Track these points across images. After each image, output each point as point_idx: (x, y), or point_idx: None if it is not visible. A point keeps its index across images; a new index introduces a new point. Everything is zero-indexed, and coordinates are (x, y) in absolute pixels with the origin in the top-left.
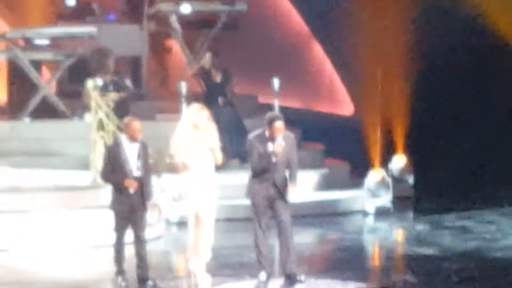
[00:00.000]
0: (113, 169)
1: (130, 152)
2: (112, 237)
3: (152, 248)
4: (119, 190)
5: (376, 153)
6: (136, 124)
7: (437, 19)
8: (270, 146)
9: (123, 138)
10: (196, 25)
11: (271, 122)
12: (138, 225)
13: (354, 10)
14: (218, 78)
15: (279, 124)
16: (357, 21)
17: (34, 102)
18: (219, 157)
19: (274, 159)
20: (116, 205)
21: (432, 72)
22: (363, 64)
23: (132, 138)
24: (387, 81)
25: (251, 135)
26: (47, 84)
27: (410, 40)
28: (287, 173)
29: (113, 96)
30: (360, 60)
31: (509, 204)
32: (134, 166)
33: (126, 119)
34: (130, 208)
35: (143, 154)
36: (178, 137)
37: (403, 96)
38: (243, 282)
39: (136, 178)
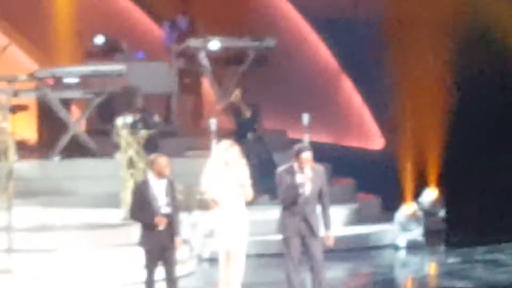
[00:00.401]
0: (142, 206)
1: (158, 189)
2: (143, 274)
3: (184, 285)
4: (148, 227)
5: (407, 186)
6: (162, 160)
7: (470, 49)
8: (299, 178)
9: (150, 175)
10: (225, 61)
11: (298, 153)
12: (168, 262)
13: (384, 42)
14: (247, 114)
15: (307, 155)
16: (387, 53)
17: (63, 140)
18: (249, 193)
19: (301, 190)
20: (145, 243)
21: (465, 103)
22: (394, 96)
23: (159, 174)
24: (418, 113)
25: (279, 169)
26: (77, 122)
27: (443, 71)
28: (318, 208)
29: (143, 133)
30: (390, 92)
31: None
32: (162, 202)
33: (152, 156)
34: (159, 245)
35: (171, 190)
36: (208, 174)
37: (435, 129)
38: None
39: (164, 215)
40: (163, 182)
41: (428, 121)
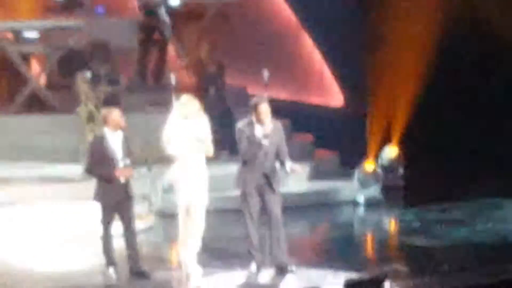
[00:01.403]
0: (99, 161)
1: (115, 143)
2: (100, 229)
3: (143, 239)
4: (105, 181)
5: (367, 144)
6: (115, 113)
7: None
8: (258, 130)
9: (106, 130)
10: (185, 16)
11: (256, 105)
12: (125, 216)
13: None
14: (212, 69)
15: (264, 107)
16: (348, 10)
17: (23, 95)
18: (209, 149)
19: (263, 142)
20: (101, 197)
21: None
22: (355, 54)
23: (114, 127)
24: (384, 72)
25: (239, 123)
26: (36, 77)
27: (422, 36)
28: (277, 164)
29: (104, 88)
30: (354, 50)
31: (500, 195)
32: (120, 156)
33: (105, 110)
34: (117, 199)
35: (128, 142)
36: (168, 128)
37: (401, 90)
38: (234, 273)
39: (125, 167)
40: (119, 136)
41: (395, 81)
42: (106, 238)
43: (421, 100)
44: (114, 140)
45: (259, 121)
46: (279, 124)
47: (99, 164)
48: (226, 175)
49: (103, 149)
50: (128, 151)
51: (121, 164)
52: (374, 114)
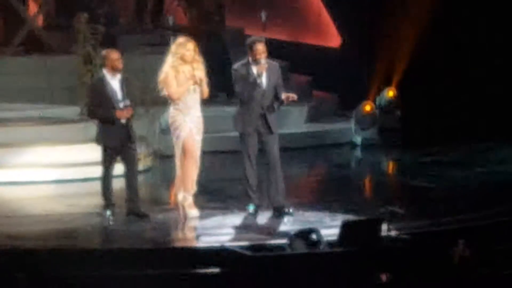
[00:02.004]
0: (100, 103)
1: (114, 84)
2: (100, 170)
3: (140, 181)
4: (107, 123)
5: (365, 85)
6: (114, 54)
7: None
8: (254, 70)
9: (105, 72)
10: None
11: (252, 44)
12: (128, 157)
13: None
14: (210, 10)
15: (260, 46)
16: None
17: (20, 36)
18: (206, 90)
19: (258, 81)
20: (105, 139)
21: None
22: None
23: (113, 69)
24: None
25: (235, 64)
26: (34, 17)
27: None
28: (275, 104)
29: (102, 29)
30: None
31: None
32: (120, 97)
33: (104, 51)
34: (119, 140)
35: (127, 84)
36: (165, 70)
37: (398, 28)
38: (231, 215)
39: (125, 108)
40: (118, 77)
41: (395, 21)
42: (106, 180)
43: (421, 42)
44: (113, 82)
45: (255, 61)
46: (275, 64)
47: (99, 106)
48: (223, 116)
49: (103, 91)
50: (126, 94)
51: (121, 105)
52: (372, 55)
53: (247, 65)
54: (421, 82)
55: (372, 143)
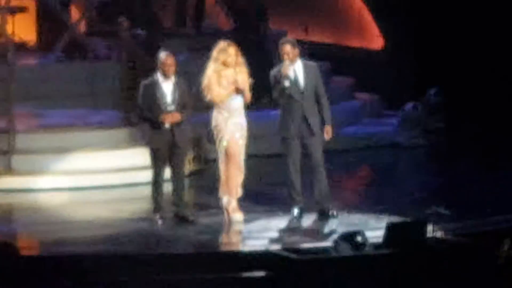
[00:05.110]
0: (149, 106)
1: (166, 88)
2: (145, 175)
3: (186, 185)
4: (156, 126)
5: (408, 86)
6: (169, 59)
7: None
8: (287, 71)
9: (157, 75)
10: None
11: (280, 46)
12: (176, 161)
13: None
14: (253, 14)
15: (284, 47)
16: None
17: (62, 42)
18: (248, 94)
19: (287, 83)
20: (154, 142)
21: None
22: None
23: (166, 73)
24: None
25: (272, 70)
26: (76, 23)
27: None
28: (316, 106)
29: (143, 34)
30: None
31: None
32: (170, 101)
33: (160, 55)
34: (167, 144)
35: (179, 89)
36: (207, 75)
37: (441, 29)
38: (276, 218)
39: (171, 112)
40: (171, 81)
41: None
42: (156, 184)
43: (465, 43)
44: (166, 85)
45: (283, 60)
46: (313, 65)
47: (148, 108)
48: (267, 120)
49: (153, 93)
50: (179, 96)
51: (169, 108)
52: (416, 56)
53: (280, 67)
54: (466, 83)
55: (417, 144)
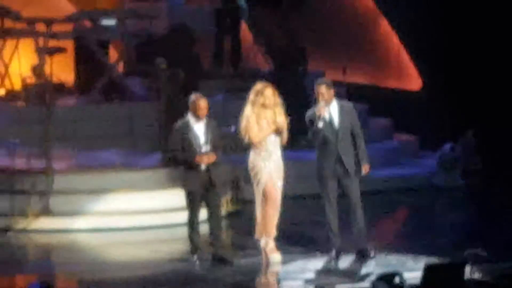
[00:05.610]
0: (183, 147)
1: (198, 129)
2: (183, 216)
3: (223, 225)
4: (190, 167)
5: (446, 127)
6: (203, 102)
7: None
8: (316, 111)
9: (189, 116)
10: (262, 2)
11: (315, 87)
12: (211, 202)
13: None
14: (293, 55)
15: (319, 88)
16: None
17: (101, 83)
18: (286, 136)
19: (321, 124)
20: (187, 183)
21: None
22: (434, 38)
23: (198, 116)
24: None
25: (307, 111)
26: (115, 64)
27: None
28: (352, 146)
29: (182, 74)
30: (430, 33)
31: None
32: (203, 142)
33: (192, 97)
34: (203, 185)
35: (211, 130)
36: (245, 116)
37: (477, 71)
38: (313, 259)
39: (205, 153)
40: (203, 121)
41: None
42: (192, 224)
43: (503, 85)
44: (197, 126)
45: (318, 101)
46: (348, 105)
47: (182, 150)
48: (304, 161)
49: (186, 135)
50: (211, 137)
51: (203, 149)
52: (454, 97)
53: (315, 108)
54: (504, 124)
55: (454, 185)
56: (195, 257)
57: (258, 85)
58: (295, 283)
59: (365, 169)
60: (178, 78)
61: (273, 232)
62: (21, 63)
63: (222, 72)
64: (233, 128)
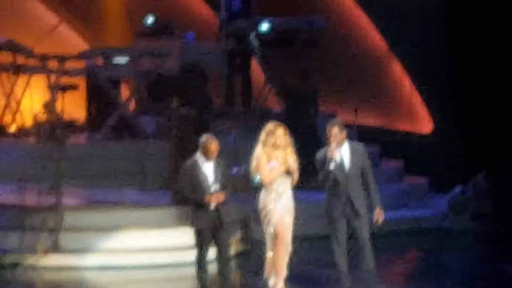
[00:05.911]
0: (192, 187)
1: (207, 168)
2: (192, 255)
3: (233, 265)
4: (200, 207)
5: (457, 170)
6: (213, 144)
7: None
8: (328, 153)
9: (199, 155)
10: (275, 42)
11: (326, 129)
12: (221, 242)
13: (433, 26)
14: (303, 96)
15: (331, 129)
16: (436, 37)
17: (112, 120)
18: (297, 176)
19: (332, 166)
20: (196, 222)
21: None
22: (445, 81)
23: (208, 157)
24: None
25: (317, 153)
26: (126, 102)
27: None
28: (362, 188)
29: (193, 114)
30: (441, 76)
31: None
32: (211, 182)
33: (203, 138)
34: (212, 224)
35: (220, 170)
36: (256, 156)
37: (488, 113)
38: None
39: (215, 193)
40: (212, 162)
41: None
42: (201, 264)
43: None
44: (206, 165)
45: (329, 143)
46: (359, 147)
47: (191, 190)
48: (314, 202)
49: (195, 175)
50: (220, 177)
51: (212, 189)
52: (464, 140)
53: (325, 150)
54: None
55: (465, 228)
56: None
57: (270, 125)
58: None
59: (377, 214)
60: (190, 117)
61: (283, 272)
62: (32, 99)
63: (233, 111)
64: (235, 170)
